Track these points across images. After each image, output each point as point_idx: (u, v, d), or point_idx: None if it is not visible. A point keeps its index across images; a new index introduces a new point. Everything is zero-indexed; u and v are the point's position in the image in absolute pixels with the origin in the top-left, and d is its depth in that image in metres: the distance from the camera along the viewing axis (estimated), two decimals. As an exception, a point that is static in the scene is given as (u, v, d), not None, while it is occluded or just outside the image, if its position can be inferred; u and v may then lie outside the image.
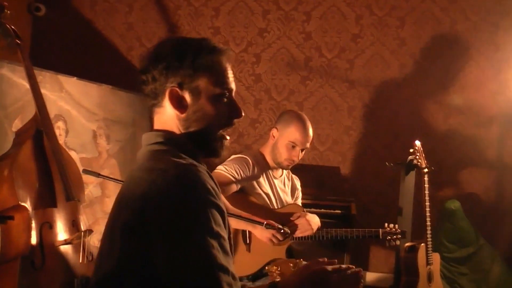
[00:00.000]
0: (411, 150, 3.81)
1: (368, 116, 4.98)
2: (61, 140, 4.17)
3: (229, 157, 3.32)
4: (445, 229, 4.46)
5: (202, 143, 1.67)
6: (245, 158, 3.29)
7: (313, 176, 4.62)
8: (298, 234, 3.24)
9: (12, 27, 3.16)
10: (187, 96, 1.63)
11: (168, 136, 1.65)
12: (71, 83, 4.24)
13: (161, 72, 1.62)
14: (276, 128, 3.34)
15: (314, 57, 5.05)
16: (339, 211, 4.50)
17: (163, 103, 1.65)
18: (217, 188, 1.57)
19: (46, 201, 3.03)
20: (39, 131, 3.14)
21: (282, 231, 3.04)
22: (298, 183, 3.59)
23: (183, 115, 1.64)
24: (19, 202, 2.89)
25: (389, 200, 4.73)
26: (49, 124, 3.22)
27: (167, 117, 1.66)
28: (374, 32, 4.94)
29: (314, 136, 4.88)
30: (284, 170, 3.49)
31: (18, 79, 3.78)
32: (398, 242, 3.46)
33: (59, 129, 4.20)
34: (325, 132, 4.99)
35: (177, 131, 1.66)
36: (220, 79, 1.65)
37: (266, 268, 3.03)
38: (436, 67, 4.85)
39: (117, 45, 5.30)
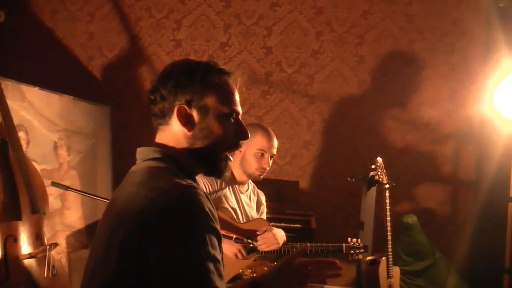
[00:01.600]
0: (373, 166, 3.87)
1: (327, 131, 5.04)
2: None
3: None
4: (402, 242, 4.53)
5: (206, 161, 1.68)
6: None
7: (272, 190, 4.61)
8: (264, 248, 3.25)
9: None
10: (195, 114, 1.64)
11: (165, 152, 1.66)
12: (33, 93, 4.15)
13: (170, 90, 1.64)
14: None
15: (275, 71, 5.09)
16: (299, 225, 4.52)
17: (170, 121, 1.66)
18: (214, 210, 1.57)
19: (11, 214, 2.96)
20: (4, 141, 3.08)
21: (251, 245, 3.06)
22: (263, 198, 3.61)
23: (190, 133, 1.64)
24: (-17, 215, 2.82)
25: (347, 214, 4.81)
26: (15, 134, 3.16)
27: (172, 134, 1.67)
28: (334, 49, 5.01)
29: (274, 150, 4.99)
30: (250, 185, 3.50)
31: (-19, 88, 3.68)
32: (360, 256, 3.51)
33: (20, 139, 4.10)
34: (284, 147, 5.01)
35: (178, 148, 1.66)
36: (228, 99, 1.68)
37: (241, 270, 3.06)
38: (394, 85, 4.95)
39: (78, 55, 5.23)
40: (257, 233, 3.27)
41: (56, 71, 5.09)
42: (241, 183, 3.41)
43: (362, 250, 3.50)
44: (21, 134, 4.09)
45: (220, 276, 1.48)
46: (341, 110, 5.02)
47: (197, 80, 1.64)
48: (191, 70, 1.66)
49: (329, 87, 5.03)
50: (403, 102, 4.92)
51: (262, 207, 3.59)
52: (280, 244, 3.30)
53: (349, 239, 3.49)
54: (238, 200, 3.38)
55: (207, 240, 1.46)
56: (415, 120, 4.89)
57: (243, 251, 3.12)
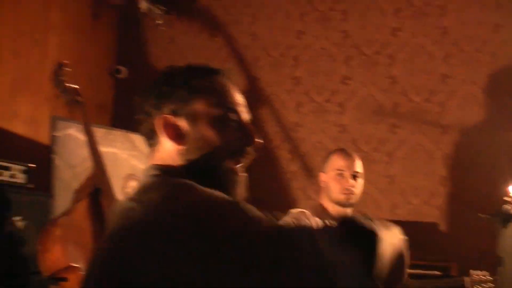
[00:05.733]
0: (506, 198, 3.55)
1: (466, 164, 4.70)
2: (133, 200, 4.28)
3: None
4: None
5: (207, 177, 1.40)
6: (302, 211, 3.22)
7: (407, 233, 4.35)
8: None
9: (74, 86, 3.31)
10: (184, 124, 1.45)
11: (165, 169, 1.44)
12: (143, 141, 4.36)
13: (152, 103, 1.48)
14: (322, 171, 3.35)
15: (402, 102, 4.90)
16: (438, 273, 4.24)
17: (159, 138, 1.47)
18: None
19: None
20: (97, 189, 3.23)
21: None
22: None
23: (183, 147, 1.44)
24: (71, 263, 2.96)
25: (496, 259, 4.40)
26: (107, 182, 3.31)
27: (165, 152, 1.46)
28: (465, 71, 4.73)
29: (407, 189, 4.76)
30: None
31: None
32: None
33: (132, 188, 4.31)
34: (419, 184, 4.76)
35: (175, 165, 1.45)
36: (221, 99, 1.48)
37: None
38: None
39: (197, 102, 5.42)
40: None
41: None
42: (336, 215, 3.29)
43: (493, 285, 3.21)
44: (133, 183, 4.32)
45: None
46: (479, 139, 4.67)
47: (180, 85, 1.47)
48: (172, 76, 1.50)
49: (464, 114, 4.73)
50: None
51: None
52: None
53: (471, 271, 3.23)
54: None
55: (241, 209, 1.21)
56: None
57: None
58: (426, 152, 4.81)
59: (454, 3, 4.84)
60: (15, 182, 3.38)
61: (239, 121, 1.49)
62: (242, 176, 1.49)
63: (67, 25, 4.78)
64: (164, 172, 1.42)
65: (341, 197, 3.23)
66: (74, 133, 3.98)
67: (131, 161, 4.28)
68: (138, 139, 4.32)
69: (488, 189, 4.54)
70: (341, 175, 3.23)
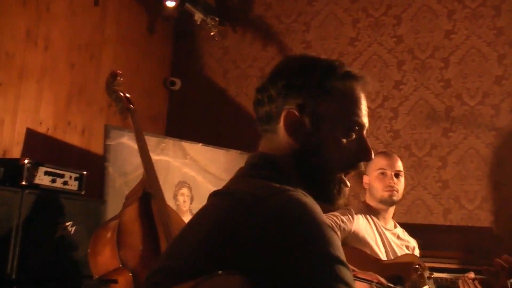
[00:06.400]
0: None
1: (520, 167, 4.63)
2: (185, 206, 4.40)
3: None
4: None
5: (315, 183, 1.41)
6: (348, 209, 3.31)
7: (461, 239, 4.38)
8: None
9: (127, 94, 3.42)
10: (307, 122, 1.39)
11: (270, 159, 1.41)
12: (196, 150, 4.49)
13: (280, 90, 1.41)
14: (365, 174, 3.42)
15: (456, 105, 4.87)
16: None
17: (276, 128, 1.42)
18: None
19: (150, 264, 3.18)
20: (147, 193, 3.34)
21: (395, 290, 2.93)
22: (415, 243, 3.47)
23: (298, 145, 1.40)
24: (120, 265, 3.07)
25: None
26: (157, 187, 3.41)
27: (278, 144, 1.42)
28: (520, 72, 4.67)
29: (461, 193, 4.71)
30: (398, 228, 3.41)
31: (138, 147, 4.09)
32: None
33: (183, 195, 4.44)
34: (473, 189, 4.71)
35: (284, 162, 1.41)
36: (352, 109, 1.42)
37: None
38: None
39: (250, 110, 5.50)
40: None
41: (227, 129, 5.44)
42: (383, 218, 3.36)
43: None
44: (184, 191, 4.44)
45: None
46: (534, 142, 4.59)
47: (315, 81, 1.39)
48: (308, 69, 1.41)
49: (519, 116, 4.66)
50: None
51: (415, 250, 3.45)
52: None
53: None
54: (382, 237, 3.30)
55: (339, 274, 1.18)
56: None
57: None
58: (480, 156, 4.75)
59: (508, 3, 4.79)
60: (68, 189, 3.53)
61: (361, 135, 1.44)
62: (348, 188, 1.45)
63: (122, 38, 4.97)
64: (268, 163, 1.41)
65: (385, 194, 3.29)
66: (126, 142, 4.13)
67: (183, 169, 4.40)
68: (189, 148, 4.46)
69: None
70: (383, 174, 3.31)
